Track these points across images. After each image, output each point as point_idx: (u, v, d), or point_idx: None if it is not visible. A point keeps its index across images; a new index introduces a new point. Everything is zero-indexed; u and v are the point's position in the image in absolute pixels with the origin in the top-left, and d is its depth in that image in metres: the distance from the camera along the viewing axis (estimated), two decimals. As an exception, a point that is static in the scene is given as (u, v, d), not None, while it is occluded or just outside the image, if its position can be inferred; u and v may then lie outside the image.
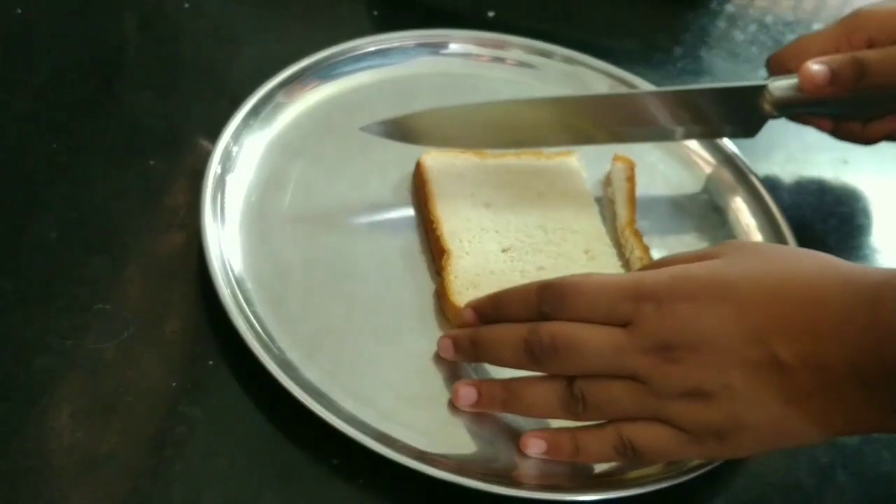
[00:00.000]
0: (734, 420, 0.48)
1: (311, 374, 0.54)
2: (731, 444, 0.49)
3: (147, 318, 0.56)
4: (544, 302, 0.51)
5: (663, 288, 0.48)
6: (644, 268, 0.57)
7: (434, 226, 0.61)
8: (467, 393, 0.53)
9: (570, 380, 0.50)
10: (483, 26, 0.78)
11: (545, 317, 0.51)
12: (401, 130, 0.64)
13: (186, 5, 0.76)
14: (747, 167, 0.71)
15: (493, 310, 0.54)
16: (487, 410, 0.54)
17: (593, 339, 0.49)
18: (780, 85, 0.64)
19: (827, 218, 0.73)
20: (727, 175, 0.71)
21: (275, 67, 0.70)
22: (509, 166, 0.66)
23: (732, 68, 0.83)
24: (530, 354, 0.50)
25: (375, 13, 0.79)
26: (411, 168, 0.66)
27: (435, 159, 0.65)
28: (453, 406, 0.54)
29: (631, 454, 0.50)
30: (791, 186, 0.74)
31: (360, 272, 0.60)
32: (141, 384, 0.54)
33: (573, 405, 0.50)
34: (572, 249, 0.62)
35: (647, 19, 0.86)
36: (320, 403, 0.52)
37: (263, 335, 0.55)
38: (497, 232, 0.62)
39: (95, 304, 0.56)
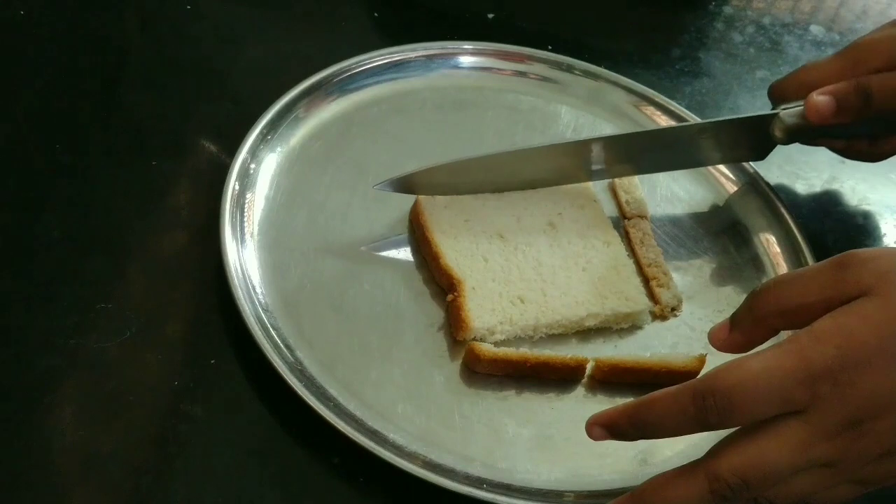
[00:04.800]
0: None
1: (314, 373, 0.55)
2: None
3: (149, 317, 0.56)
4: (708, 412, 0.45)
5: (835, 362, 0.44)
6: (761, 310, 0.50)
7: (441, 261, 0.60)
8: None
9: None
10: (482, 27, 0.78)
11: (710, 427, 0.46)
12: (410, 187, 0.63)
13: (188, 6, 0.76)
14: (759, 176, 0.71)
15: (635, 428, 0.47)
16: None
17: (782, 457, 0.45)
18: (791, 113, 0.65)
19: (824, 218, 0.73)
20: (741, 185, 0.72)
21: (276, 68, 0.70)
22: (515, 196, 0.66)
23: (730, 69, 0.83)
24: (722, 502, 0.46)
25: (376, 14, 0.80)
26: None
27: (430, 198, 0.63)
28: (454, 413, 0.55)
29: None
30: (789, 186, 0.74)
31: (369, 279, 0.60)
32: (143, 383, 0.54)
33: None
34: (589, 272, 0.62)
35: (645, 21, 0.87)
36: (323, 403, 0.52)
37: (280, 343, 0.55)
38: (506, 260, 0.62)
39: (98, 304, 0.56)
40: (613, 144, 0.67)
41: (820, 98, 0.63)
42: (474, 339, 0.57)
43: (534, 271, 0.61)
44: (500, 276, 0.61)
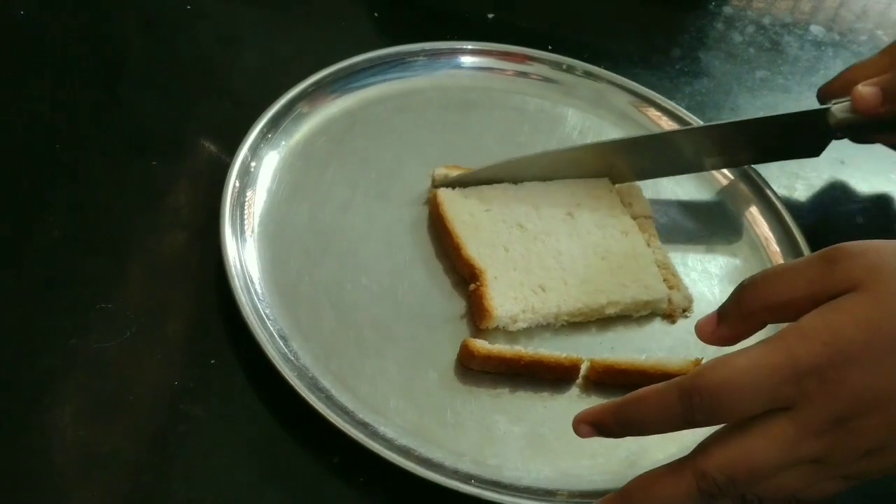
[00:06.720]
0: None
1: (307, 364, 0.55)
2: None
3: (149, 317, 0.56)
4: (694, 410, 0.45)
5: (822, 359, 0.43)
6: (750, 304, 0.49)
7: (463, 251, 0.61)
8: None
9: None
10: (483, 27, 0.78)
11: (696, 425, 0.46)
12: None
13: (188, 6, 0.76)
14: (757, 174, 0.71)
15: (621, 425, 0.47)
16: None
17: (769, 454, 0.44)
18: (842, 107, 0.65)
19: (824, 218, 0.73)
20: (741, 183, 0.72)
21: (276, 68, 0.70)
22: (534, 186, 0.66)
23: (730, 69, 0.83)
24: (710, 500, 0.45)
25: (376, 14, 0.80)
26: (428, 183, 0.66)
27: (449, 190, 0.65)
28: (446, 409, 0.55)
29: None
30: (789, 187, 0.74)
31: (372, 277, 0.60)
32: (143, 383, 0.54)
33: None
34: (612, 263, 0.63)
35: (645, 21, 0.87)
36: (314, 394, 0.53)
37: (275, 335, 0.55)
38: (526, 249, 0.62)
39: (98, 304, 0.56)
40: (666, 142, 0.68)
41: (866, 88, 0.63)
42: (497, 327, 0.58)
43: (554, 260, 0.62)
44: (520, 266, 0.61)
